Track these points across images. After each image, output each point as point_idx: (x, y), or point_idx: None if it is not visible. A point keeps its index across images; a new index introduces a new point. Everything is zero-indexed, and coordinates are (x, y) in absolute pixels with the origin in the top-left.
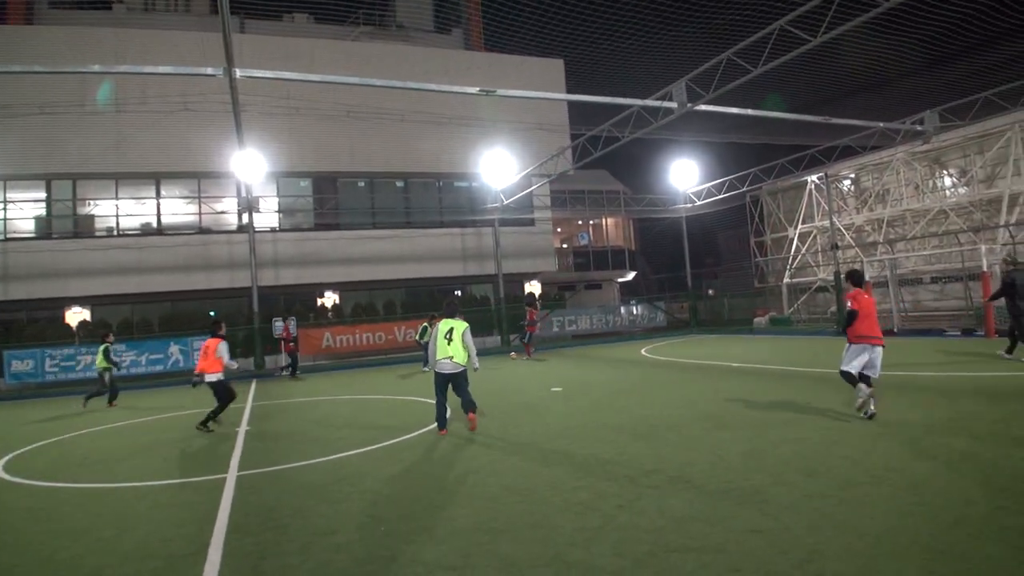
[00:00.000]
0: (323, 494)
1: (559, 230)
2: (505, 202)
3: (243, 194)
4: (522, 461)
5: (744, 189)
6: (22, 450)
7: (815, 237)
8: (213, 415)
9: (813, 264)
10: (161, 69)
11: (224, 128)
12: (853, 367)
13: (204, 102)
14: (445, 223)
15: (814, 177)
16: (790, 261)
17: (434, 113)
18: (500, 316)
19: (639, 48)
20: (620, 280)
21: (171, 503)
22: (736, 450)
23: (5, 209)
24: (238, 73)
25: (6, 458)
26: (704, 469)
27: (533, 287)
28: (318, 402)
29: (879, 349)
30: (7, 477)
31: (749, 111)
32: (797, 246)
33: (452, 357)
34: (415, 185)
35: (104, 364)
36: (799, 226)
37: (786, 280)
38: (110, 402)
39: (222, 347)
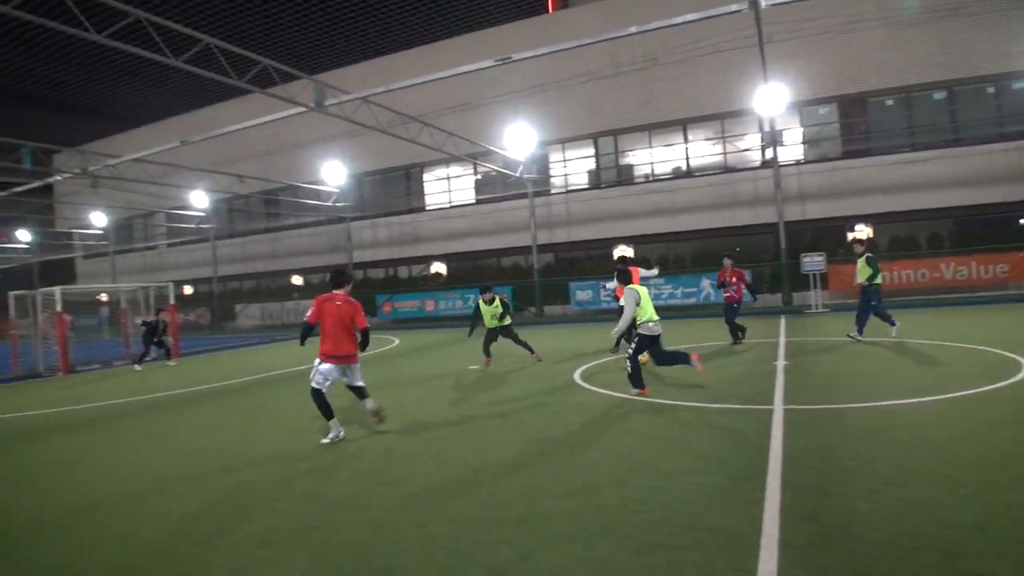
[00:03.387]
0: (883, 441)
1: None
2: None
3: (766, 129)
4: None
5: None
6: (588, 365)
7: None
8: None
9: None
10: (688, 17)
11: (743, 66)
12: None
13: (723, 44)
14: (1007, 136)
15: None
16: None
17: None
18: None
19: None
20: None
21: (723, 426)
22: None
23: (566, 166)
24: (763, 3)
25: (580, 369)
26: None
27: None
28: (854, 344)
29: None
30: (581, 383)
31: None
32: None
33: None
34: (962, 94)
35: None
36: None
37: None
38: None
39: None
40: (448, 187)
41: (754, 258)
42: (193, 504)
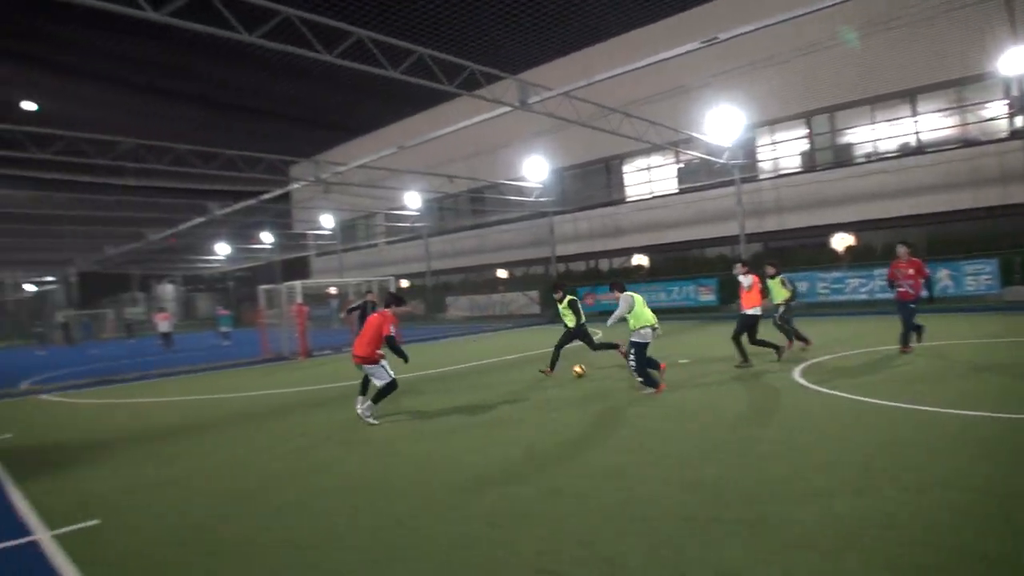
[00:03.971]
0: None
1: None
2: None
3: (1014, 94)
4: None
5: None
6: (808, 363)
7: None
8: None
9: None
10: None
11: (984, 23)
12: None
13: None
14: None
15: None
16: None
17: None
18: None
19: None
20: None
21: (973, 436)
22: None
23: (775, 149)
24: None
25: (802, 365)
26: None
27: None
28: None
29: None
30: (803, 383)
31: None
32: None
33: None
34: None
35: None
36: None
37: None
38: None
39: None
40: (649, 177)
41: (1004, 243)
42: (432, 482)
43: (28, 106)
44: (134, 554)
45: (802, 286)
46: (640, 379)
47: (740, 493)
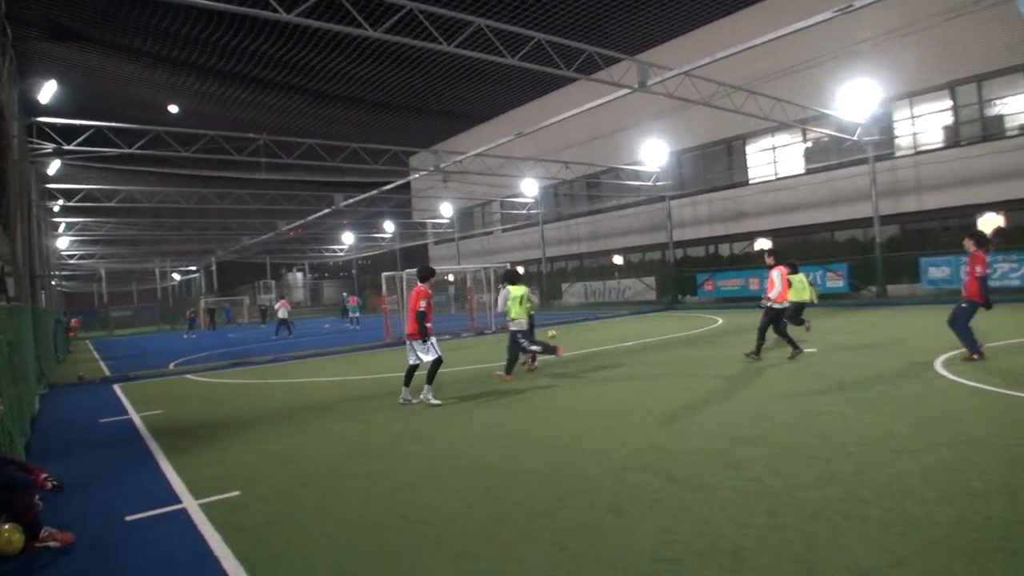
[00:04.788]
0: None
1: None
2: None
3: None
4: None
5: None
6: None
7: None
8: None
9: None
10: None
11: None
12: None
13: None
14: None
15: None
16: None
17: None
18: None
19: None
20: None
21: None
22: None
23: (914, 124)
24: None
25: (942, 357)
26: None
27: None
28: None
29: None
30: (946, 374)
31: None
32: None
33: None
34: None
35: None
36: None
37: None
38: None
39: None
40: (773, 158)
41: None
42: (548, 466)
43: (172, 108)
44: (269, 522)
45: (943, 272)
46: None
47: (875, 490)
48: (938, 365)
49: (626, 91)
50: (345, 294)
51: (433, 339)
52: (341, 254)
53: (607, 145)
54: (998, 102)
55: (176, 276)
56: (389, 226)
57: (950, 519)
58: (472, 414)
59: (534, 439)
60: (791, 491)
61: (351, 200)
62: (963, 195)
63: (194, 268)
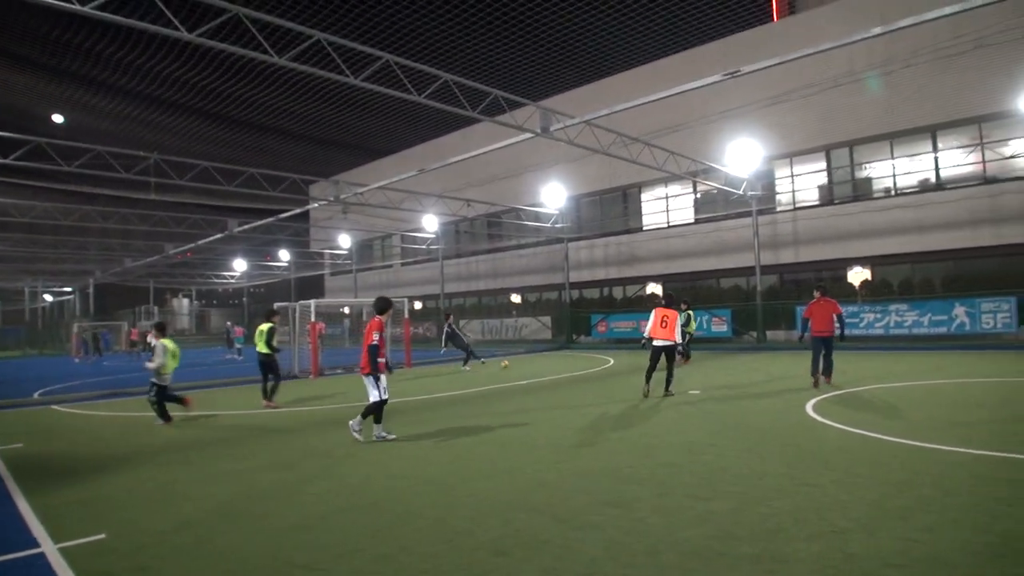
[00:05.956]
0: None
1: None
2: None
3: None
4: None
5: None
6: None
7: None
8: (668, 381)
9: None
10: (946, 10)
11: (1005, 62)
12: None
13: (987, 37)
14: None
15: None
16: None
17: None
18: None
19: None
20: None
21: (996, 477)
22: None
23: (793, 182)
24: None
25: (813, 401)
26: None
27: None
28: None
29: None
30: (816, 417)
31: None
32: None
33: None
34: None
35: None
36: None
37: None
38: None
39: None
40: (666, 207)
41: (1022, 282)
42: (435, 508)
43: (57, 119)
44: (138, 569)
45: None
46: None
47: (749, 528)
48: (809, 408)
49: (529, 135)
50: (230, 324)
51: (384, 378)
52: (232, 281)
53: (509, 185)
54: (867, 166)
55: (48, 297)
56: (285, 254)
57: (814, 556)
58: (360, 453)
59: (422, 478)
60: (672, 530)
61: (246, 226)
62: (835, 249)
63: (68, 289)
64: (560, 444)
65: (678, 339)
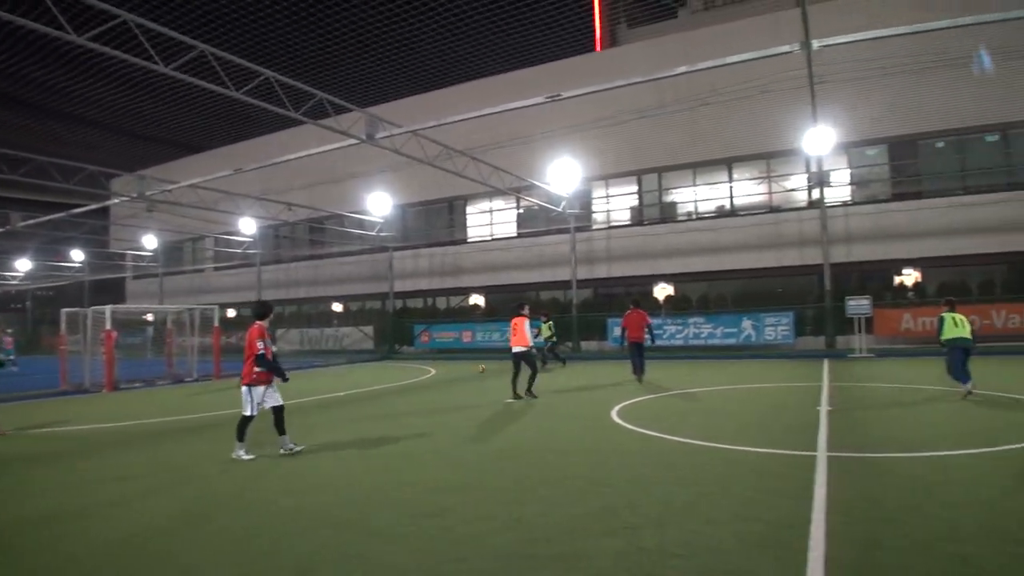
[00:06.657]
0: (934, 493)
1: None
2: None
3: (813, 169)
4: None
5: None
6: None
7: None
8: (529, 383)
9: None
10: (739, 57)
11: (791, 106)
12: None
13: (773, 84)
14: None
15: None
16: None
17: None
18: None
19: None
20: None
21: (765, 471)
22: None
23: (608, 203)
24: (815, 44)
25: (618, 406)
26: None
27: None
28: (903, 389)
29: None
30: (619, 422)
31: None
32: None
33: None
34: (1017, 137)
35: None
36: None
37: None
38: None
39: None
40: (490, 220)
41: (798, 299)
42: (238, 526)
43: None
44: None
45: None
46: None
47: (555, 529)
48: (614, 413)
49: (354, 141)
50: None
51: (259, 391)
52: (14, 282)
53: (333, 191)
54: (673, 191)
55: None
56: (79, 254)
57: (612, 551)
58: (151, 476)
59: (223, 495)
60: (482, 536)
61: (32, 221)
62: (644, 266)
63: None
64: (378, 457)
65: (531, 343)
